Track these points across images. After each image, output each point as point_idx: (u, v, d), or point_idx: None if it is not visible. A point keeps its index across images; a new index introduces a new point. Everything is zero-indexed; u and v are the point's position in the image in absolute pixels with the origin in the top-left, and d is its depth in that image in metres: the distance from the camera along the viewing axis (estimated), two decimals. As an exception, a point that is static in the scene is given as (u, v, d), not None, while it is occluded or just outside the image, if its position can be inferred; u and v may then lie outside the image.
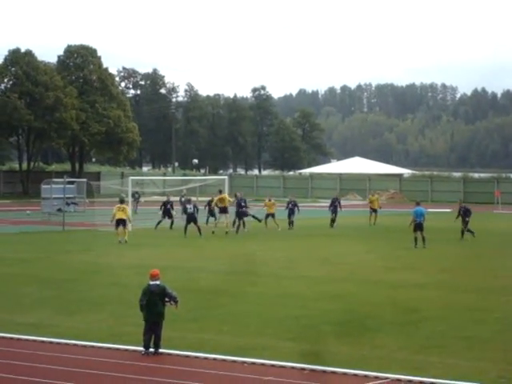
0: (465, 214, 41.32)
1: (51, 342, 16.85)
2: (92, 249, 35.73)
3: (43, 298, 22.22)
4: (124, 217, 38.68)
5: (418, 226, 36.90)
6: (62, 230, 45.32)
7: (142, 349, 16.07)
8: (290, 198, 51.60)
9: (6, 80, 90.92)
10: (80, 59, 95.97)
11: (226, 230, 43.19)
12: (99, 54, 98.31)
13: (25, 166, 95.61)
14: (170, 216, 45.87)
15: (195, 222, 42.22)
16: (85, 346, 16.62)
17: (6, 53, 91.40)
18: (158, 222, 45.78)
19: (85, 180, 67.48)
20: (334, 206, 50.49)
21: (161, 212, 46.23)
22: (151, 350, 16.06)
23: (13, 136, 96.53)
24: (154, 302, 16.01)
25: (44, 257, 32.25)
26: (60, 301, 21.92)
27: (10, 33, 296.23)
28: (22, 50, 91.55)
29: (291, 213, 48.50)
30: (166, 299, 16.19)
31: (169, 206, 46.08)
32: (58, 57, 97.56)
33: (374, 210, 51.31)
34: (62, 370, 14.85)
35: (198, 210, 44.06)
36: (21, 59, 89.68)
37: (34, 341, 16.94)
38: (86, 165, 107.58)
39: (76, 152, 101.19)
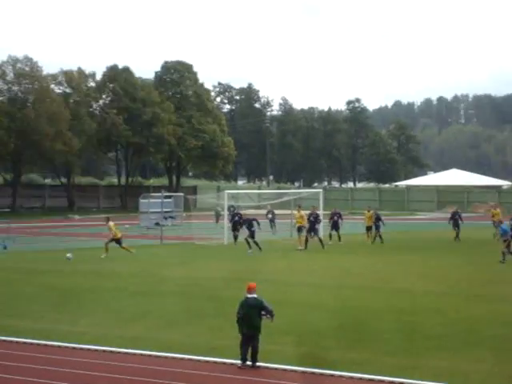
0: None
1: (150, 356, 17.03)
2: (189, 262, 36.05)
3: (142, 312, 22.49)
4: None
5: None
6: (159, 244, 45.89)
7: (239, 362, 16.10)
8: (334, 209, 49.15)
9: (104, 96, 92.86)
10: (177, 75, 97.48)
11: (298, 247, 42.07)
12: (195, 69, 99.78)
13: (123, 180, 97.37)
14: (237, 229, 44.44)
15: (252, 236, 41.46)
16: (182, 359, 16.74)
17: (105, 69, 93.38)
18: (235, 237, 44.55)
19: (182, 194, 68.39)
20: (455, 220, 48.47)
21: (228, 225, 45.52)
22: (248, 363, 16.06)
23: (112, 151, 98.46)
24: (251, 315, 15.94)
25: (142, 270, 32.68)
26: (158, 314, 22.16)
27: (108, 50, 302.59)
28: (120, 67, 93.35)
29: (335, 226, 46.22)
30: (263, 312, 16.09)
31: (237, 218, 44.86)
32: (155, 73, 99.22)
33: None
34: (161, 383, 14.98)
35: (259, 224, 42.74)
36: (119, 76, 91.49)
37: (134, 354, 17.13)
38: (182, 179, 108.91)
39: (173, 166, 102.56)
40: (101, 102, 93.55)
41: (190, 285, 28.02)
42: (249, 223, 41.91)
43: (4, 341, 18.40)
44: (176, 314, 22.01)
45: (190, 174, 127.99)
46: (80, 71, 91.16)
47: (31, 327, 19.86)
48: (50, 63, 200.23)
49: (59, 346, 17.80)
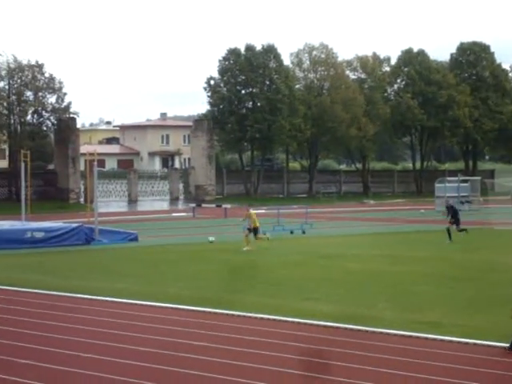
0: None
1: (450, 341, 16.54)
2: (487, 247, 34.94)
3: (439, 296, 22.01)
4: None
5: None
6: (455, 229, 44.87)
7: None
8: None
9: (398, 80, 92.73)
10: (473, 56, 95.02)
11: None
12: (492, 49, 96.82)
13: (418, 165, 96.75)
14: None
15: None
16: (485, 345, 16.12)
17: (399, 53, 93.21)
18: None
19: (479, 178, 66.59)
20: None
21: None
22: None
23: (406, 136, 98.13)
24: None
25: (438, 255, 32.12)
26: (456, 299, 21.56)
27: (403, 34, 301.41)
28: (415, 50, 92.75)
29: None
30: None
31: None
32: (451, 55, 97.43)
33: None
34: (461, 368, 14.46)
35: None
36: (413, 59, 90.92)
37: (434, 339, 16.71)
38: (479, 163, 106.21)
39: (469, 150, 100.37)
40: (395, 86, 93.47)
41: (487, 270, 27.11)
42: None
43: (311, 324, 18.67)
44: (474, 300, 21.32)
45: (487, 157, 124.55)
46: (375, 56, 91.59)
47: (333, 309, 20.05)
48: (345, 49, 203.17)
49: (372, 331, 17.77)
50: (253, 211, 36.55)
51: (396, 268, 28.02)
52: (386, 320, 18.50)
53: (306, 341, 16.65)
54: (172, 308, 20.47)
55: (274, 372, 14.10)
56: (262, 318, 18.96)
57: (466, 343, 16.34)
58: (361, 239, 40.31)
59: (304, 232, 43.47)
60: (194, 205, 63.53)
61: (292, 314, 19.17)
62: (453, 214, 38.32)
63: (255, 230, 35.60)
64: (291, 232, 43.38)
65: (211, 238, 34.20)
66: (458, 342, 16.40)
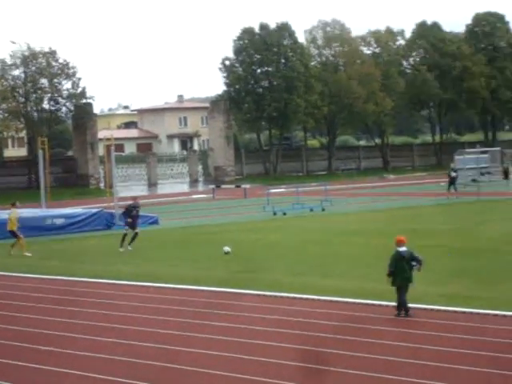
0: None
1: (471, 313, 16.53)
2: (507, 218, 34.77)
3: (461, 269, 21.96)
4: None
5: None
6: (476, 200, 44.79)
7: None
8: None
9: (414, 54, 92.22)
10: (488, 26, 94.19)
11: None
12: (507, 19, 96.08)
13: (437, 138, 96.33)
14: None
15: None
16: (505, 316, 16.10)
17: (414, 27, 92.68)
18: None
19: (498, 149, 66.24)
20: None
21: None
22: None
23: (424, 109, 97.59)
24: (404, 268, 16.45)
25: (460, 227, 32.03)
26: (480, 271, 21.52)
27: (417, 7, 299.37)
28: (429, 23, 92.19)
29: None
30: (413, 263, 16.53)
31: None
32: (466, 26, 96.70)
33: None
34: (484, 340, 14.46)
35: None
36: (428, 32, 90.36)
37: (464, 312, 16.75)
38: (499, 133, 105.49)
39: (487, 121, 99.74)
40: (411, 59, 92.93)
41: (506, 242, 27.03)
42: None
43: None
44: (499, 272, 21.28)
45: (507, 127, 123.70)
46: (388, 30, 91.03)
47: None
48: (358, 25, 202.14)
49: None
50: None
51: (419, 242, 27.96)
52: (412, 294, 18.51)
53: (330, 318, 16.71)
54: (196, 289, 20.58)
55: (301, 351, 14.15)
56: (287, 297, 19.03)
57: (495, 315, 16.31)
58: (381, 215, 40.21)
59: (323, 209, 43.43)
60: (213, 186, 63.60)
61: (313, 292, 19.25)
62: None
63: None
64: (311, 210, 43.37)
65: (227, 249, 27.76)
66: (486, 314, 16.39)
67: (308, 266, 23.67)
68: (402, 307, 16.54)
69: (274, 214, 41.88)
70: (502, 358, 13.29)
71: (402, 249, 16.74)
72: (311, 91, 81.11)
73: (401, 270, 16.52)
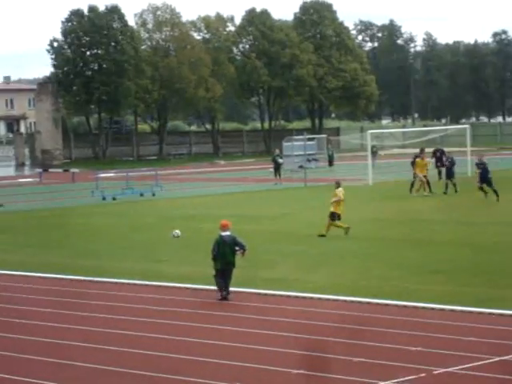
0: None
1: (296, 297, 16.94)
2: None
3: (287, 254, 22.46)
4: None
5: None
6: (303, 187, 45.82)
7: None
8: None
9: (244, 41, 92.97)
10: (316, 15, 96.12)
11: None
12: (334, 8, 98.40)
13: (266, 125, 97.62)
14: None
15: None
16: (328, 300, 16.60)
17: (243, 13, 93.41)
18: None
19: (325, 136, 67.91)
20: None
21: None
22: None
23: (254, 96, 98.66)
24: (226, 252, 16.70)
25: (288, 213, 32.71)
26: (303, 256, 22.07)
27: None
28: (258, 10, 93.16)
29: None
30: (237, 248, 16.78)
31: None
32: (294, 14, 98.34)
33: None
34: (308, 324, 14.85)
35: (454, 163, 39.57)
36: (257, 19, 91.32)
37: (281, 296, 17.09)
38: (325, 120, 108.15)
39: (315, 108, 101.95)
40: (240, 46, 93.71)
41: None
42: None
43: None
44: (320, 256, 21.92)
45: (333, 115, 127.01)
46: (218, 16, 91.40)
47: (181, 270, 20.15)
48: (189, 10, 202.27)
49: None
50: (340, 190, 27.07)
51: (248, 227, 28.36)
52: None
53: (152, 303, 16.74)
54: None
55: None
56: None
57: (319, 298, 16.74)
58: (212, 200, 40.51)
59: (154, 194, 43.29)
60: (40, 170, 62.13)
61: (141, 277, 19.22)
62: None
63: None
64: (141, 194, 43.14)
65: (177, 232, 25.43)
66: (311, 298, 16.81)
67: (134, 252, 23.55)
68: (223, 290, 16.74)
69: (104, 198, 41.40)
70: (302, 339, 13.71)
71: (226, 233, 16.90)
72: (142, 75, 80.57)
73: (223, 254, 16.72)
